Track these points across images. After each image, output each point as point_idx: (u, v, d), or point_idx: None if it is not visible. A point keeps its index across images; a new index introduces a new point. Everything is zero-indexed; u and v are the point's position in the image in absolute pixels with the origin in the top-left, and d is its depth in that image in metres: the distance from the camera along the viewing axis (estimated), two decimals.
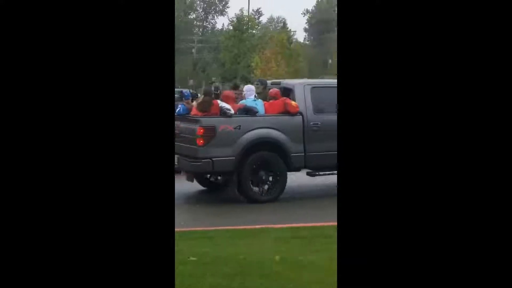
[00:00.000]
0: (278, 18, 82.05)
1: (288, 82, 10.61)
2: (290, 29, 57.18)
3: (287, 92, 9.69)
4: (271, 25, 78.39)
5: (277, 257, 5.76)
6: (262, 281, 5.07)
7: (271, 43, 45.44)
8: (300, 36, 79.85)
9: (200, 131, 8.80)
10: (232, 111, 9.18)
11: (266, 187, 9.27)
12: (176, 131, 8.74)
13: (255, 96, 9.74)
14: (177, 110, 9.56)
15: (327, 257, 5.58)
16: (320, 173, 9.64)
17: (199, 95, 12.41)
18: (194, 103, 9.66)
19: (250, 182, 9.14)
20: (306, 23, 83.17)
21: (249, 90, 9.90)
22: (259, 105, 9.52)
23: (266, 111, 9.51)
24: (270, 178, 9.28)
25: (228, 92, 10.37)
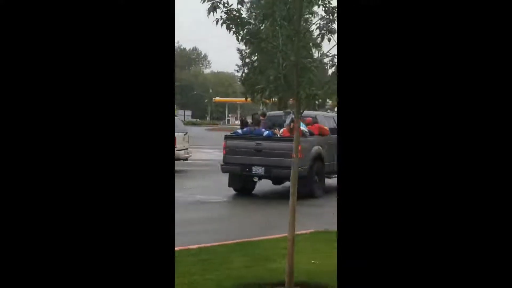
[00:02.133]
0: None
1: (309, 112, 14.64)
2: None
3: (314, 120, 14.20)
4: None
5: None
6: None
7: None
8: None
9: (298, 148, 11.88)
10: (309, 134, 13.32)
11: (317, 186, 13.37)
12: (265, 149, 13.09)
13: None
14: (265, 134, 13.50)
15: None
16: (332, 176, 14.01)
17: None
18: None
19: (313, 183, 13.21)
20: None
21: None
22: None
23: None
24: (318, 180, 13.44)
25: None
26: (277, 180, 14.03)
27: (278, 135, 13.50)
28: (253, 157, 13.07)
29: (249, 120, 15.33)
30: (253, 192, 14.00)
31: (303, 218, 8.51)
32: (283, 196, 12.14)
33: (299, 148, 12.09)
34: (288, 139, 12.69)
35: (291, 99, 5.54)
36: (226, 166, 13.50)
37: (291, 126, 12.99)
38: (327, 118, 14.97)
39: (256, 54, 5.74)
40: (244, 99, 5.87)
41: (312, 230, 8.78)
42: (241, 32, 5.33)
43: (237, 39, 5.38)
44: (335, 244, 7.58)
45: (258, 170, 13.07)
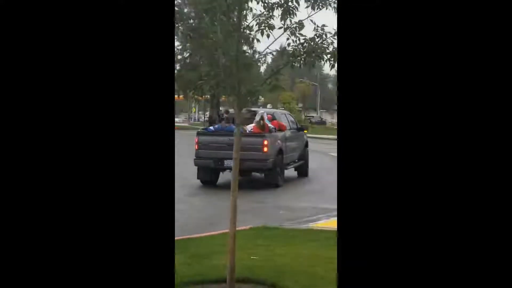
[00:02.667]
0: None
1: (267, 110, 17.12)
2: None
3: (273, 117, 15.90)
4: None
5: None
6: None
7: None
8: None
9: (265, 142, 14.23)
10: (274, 130, 14.82)
11: (279, 177, 14.84)
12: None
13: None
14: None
15: None
16: (288, 167, 15.67)
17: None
18: (250, 126, 14.70)
19: (277, 174, 14.74)
20: None
21: (266, 115, 15.40)
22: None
23: None
24: (279, 171, 14.90)
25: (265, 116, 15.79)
26: (246, 172, 15.07)
27: (248, 131, 14.36)
28: (226, 152, 13.70)
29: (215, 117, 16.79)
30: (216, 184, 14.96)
31: (244, 215, 8.51)
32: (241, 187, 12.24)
33: (265, 142, 14.23)
34: (258, 135, 14.32)
35: (223, 97, 5.53)
36: (198, 160, 14.53)
37: (261, 123, 14.63)
38: (282, 115, 16.96)
39: (188, 50, 5.72)
40: (176, 96, 5.83)
41: (251, 226, 8.80)
42: (181, 27, 5.27)
43: (177, 34, 5.31)
44: (273, 240, 7.74)
45: (229, 163, 13.54)
